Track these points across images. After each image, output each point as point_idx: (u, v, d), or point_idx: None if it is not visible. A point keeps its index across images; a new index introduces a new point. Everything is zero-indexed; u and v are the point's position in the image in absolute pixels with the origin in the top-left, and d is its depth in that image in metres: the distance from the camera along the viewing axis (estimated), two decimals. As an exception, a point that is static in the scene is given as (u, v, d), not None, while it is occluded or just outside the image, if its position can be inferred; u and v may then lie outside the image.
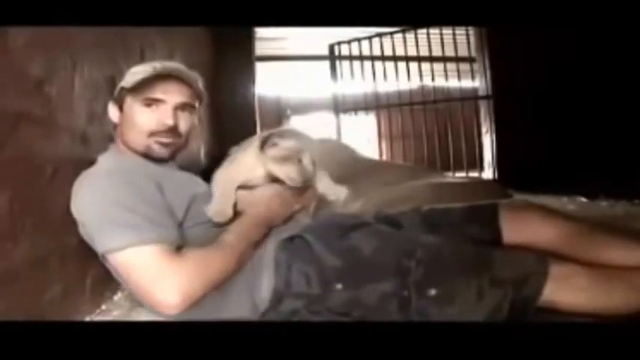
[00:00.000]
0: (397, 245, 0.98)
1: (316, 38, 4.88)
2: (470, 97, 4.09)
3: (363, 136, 7.08)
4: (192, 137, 1.22)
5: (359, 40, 3.99)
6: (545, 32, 2.78)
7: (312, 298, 0.95)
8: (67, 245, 1.08)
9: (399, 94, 4.08)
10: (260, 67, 4.31)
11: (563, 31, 2.68)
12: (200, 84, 1.19)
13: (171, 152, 1.16)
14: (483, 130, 3.97)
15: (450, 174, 3.63)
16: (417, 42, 3.88)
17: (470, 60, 3.90)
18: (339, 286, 0.94)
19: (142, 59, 1.72)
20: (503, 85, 3.51)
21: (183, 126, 1.15)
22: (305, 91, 7.63)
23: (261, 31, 4.42)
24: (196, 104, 1.20)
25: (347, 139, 3.80)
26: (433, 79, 3.94)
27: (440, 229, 1.11)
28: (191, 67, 1.19)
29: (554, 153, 3.04)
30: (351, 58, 4.17)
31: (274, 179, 1.13)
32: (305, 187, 1.14)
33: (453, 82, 4.01)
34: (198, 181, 1.20)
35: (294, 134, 1.15)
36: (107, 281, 1.18)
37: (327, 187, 1.21)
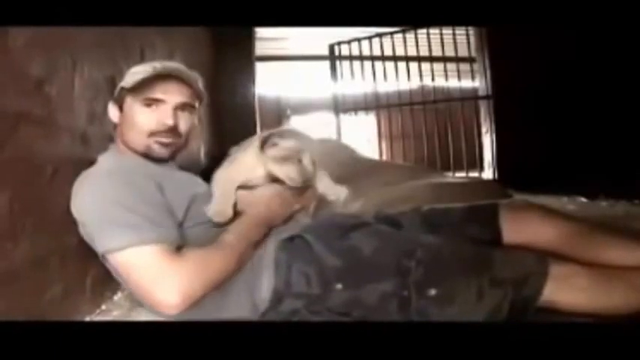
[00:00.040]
0: (397, 245, 0.98)
1: (316, 38, 4.88)
2: (470, 97, 4.09)
3: (363, 136, 7.08)
4: (192, 137, 1.22)
5: (359, 40, 3.99)
6: (545, 32, 2.78)
7: (312, 298, 0.95)
8: (67, 245, 1.08)
9: (399, 94, 4.08)
10: (260, 67, 4.31)
11: (563, 31, 2.68)
12: (200, 84, 1.19)
13: (172, 152, 1.16)
14: (483, 130, 3.97)
15: (450, 174, 3.63)
16: (417, 42, 3.88)
17: (470, 60, 3.90)
18: (339, 286, 0.94)
19: (142, 59, 1.72)
20: (503, 85, 3.51)
21: (183, 126, 1.15)
22: (305, 91, 7.63)
23: (261, 31, 4.41)
24: (196, 104, 1.20)
25: (347, 139, 3.80)
26: (433, 79, 3.94)
27: (440, 229, 1.11)
28: (191, 67, 1.19)
29: (554, 153, 3.04)
30: (351, 58, 4.17)
31: (274, 179, 1.13)
32: (305, 187, 1.14)
33: (453, 82, 4.01)
34: (198, 181, 1.20)
35: (294, 134, 1.15)
36: (107, 281, 1.18)
37: (327, 187, 1.21)
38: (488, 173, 3.88)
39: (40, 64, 1.02)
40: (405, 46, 3.87)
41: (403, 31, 3.87)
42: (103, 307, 1.24)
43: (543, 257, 0.91)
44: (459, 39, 3.74)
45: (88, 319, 1.15)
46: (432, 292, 0.89)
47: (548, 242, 1.02)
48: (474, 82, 3.93)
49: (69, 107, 1.16)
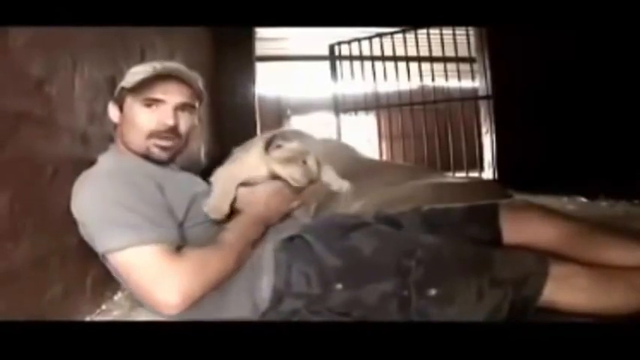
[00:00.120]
0: (397, 245, 0.98)
1: (316, 38, 4.88)
2: (470, 98, 4.09)
3: (363, 137, 7.08)
4: (192, 137, 1.22)
5: (359, 40, 3.99)
6: (545, 32, 2.78)
7: (312, 298, 0.95)
8: (67, 245, 1.08)
9: (399, 94, 4.08)
10: (260, 67, 4.31)
11: (563, 31, 2.68)
12: (200, 84, 1.19)
13: (171, 155, 1.16)
14: (483, 130, 3.97)
15: (450, 174, 3.63)
16: (417, 42, 3.88)
17: (470, 60, 3.90)
18: (339, 286, 0.94)
19: (142, 59, 1.72)
20: (503, 85, 3.51)
21: (183, 126, 1.15)
22: (305, 91, 7.63)
23: (261, 31, 4.41)
24: (196, 104, 1.20)
25: (347, 139, 3.79)
26: (433, 79, 3.94)
27: (440, 229, 1.11)
28: (191, 67, 1.19)
29: (554, 153, 3.04)
30: (351, 58, 4.17)
31: (276, 177, 1.13)
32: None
33: (453, 83, 4.01)
34: (199, 181, 1.20)
35: (297, 135, 1.16)
36: (107, 281, 1.18)
37: (331, 178, 1.21)
38: (488, 173, 3.88)
39: (40, 64, 1.02)
40: (405, 46, 3.87)
41: (403, 31, 3.87)
42: (103, 307, 1.24)
43: (543, 257, 0.91)
44: (459, 39, 3.74)
45: (88, 319, 1.15)
46: (432, 292, 0.89)
47: (548, 242, 1.02)
48: (474, 82, 3.93)
49: (69, 107, 1.16)
